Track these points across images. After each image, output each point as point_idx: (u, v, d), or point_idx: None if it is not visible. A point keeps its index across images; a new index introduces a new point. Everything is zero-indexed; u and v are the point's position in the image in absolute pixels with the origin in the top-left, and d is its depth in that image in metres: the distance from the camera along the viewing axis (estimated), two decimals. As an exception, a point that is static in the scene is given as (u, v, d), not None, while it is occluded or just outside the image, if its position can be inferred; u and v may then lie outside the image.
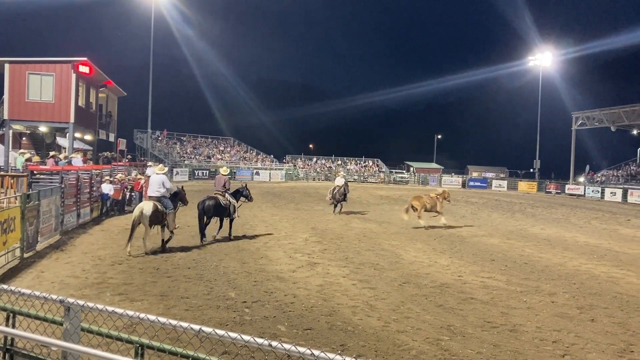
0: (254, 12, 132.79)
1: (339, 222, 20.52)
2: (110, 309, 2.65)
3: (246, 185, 17.07)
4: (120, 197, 21.21)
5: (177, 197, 14.24)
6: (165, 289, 9.36)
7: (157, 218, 12.79)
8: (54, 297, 2.85)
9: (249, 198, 16.80)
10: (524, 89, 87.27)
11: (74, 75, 28.77)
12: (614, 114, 50.74)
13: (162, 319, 2.45)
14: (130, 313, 2.48)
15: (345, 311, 8.43)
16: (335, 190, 23.16)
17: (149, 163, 27.95)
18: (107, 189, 20.10)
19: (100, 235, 15.52)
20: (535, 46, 66.90)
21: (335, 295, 9.41)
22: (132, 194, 23.15)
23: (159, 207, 12.79)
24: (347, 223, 20.27)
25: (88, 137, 36.34)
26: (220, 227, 15.38)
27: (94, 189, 19.26)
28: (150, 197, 13.11)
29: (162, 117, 68.47)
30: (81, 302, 2.79)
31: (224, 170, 16.46)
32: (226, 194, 15.41)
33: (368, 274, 11.35)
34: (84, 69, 29.07)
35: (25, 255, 11.55)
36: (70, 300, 2.82)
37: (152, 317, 2.47)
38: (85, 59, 29.42)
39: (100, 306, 2.71)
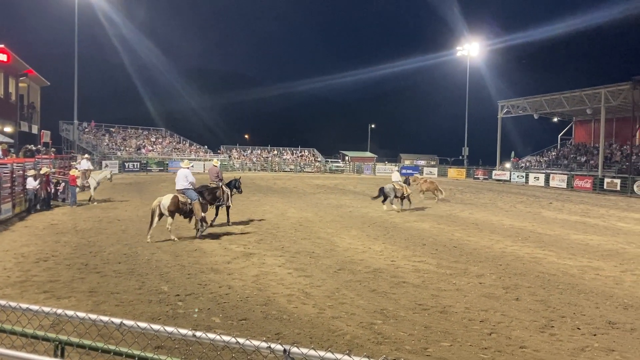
0: (187, 2, 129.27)
1: (275, 212, 20.50)
2: (24, 306, 2.52)
3: (240, 177, 17.84)
4: (45, 192, 20.27)
5: (232, 186, 16.51)
6: (94, 285, 9.05)
7: (182, 209, 13.66)
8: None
9: (239, 190, 17.35)
10: (453, 79, 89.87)
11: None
12: (536, 102, 53.13)
13: (81, 314, 2.35)
14: (47, 309, 2.37)
15: (280, 300, 8.44)
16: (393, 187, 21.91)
17: (86, 155, 26.89)
18: (31, 183, 19.17)
19: (24, 231, 14.80)
20: (463, 37, 68.96)
21: (270, 284, 9.40)
22: (58, 188, 22.20)
23: (182, 199, 13.62)
24: (283, 213, 20.27)
25: (8, 129, 34.46)
26: (216, 215, 16.05)
27: (16, 183, 18.33)
28: (177, 189, 13.89)
29: (89, 107, 65.94)
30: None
31: (215, 162, 17.38)
32: (220, 184, 16.08)
33: (304, 262, 11.40)
34: (1, 56, 27.49)
35: (-60, 255, 10.86)
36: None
37: (70, 313, 2.37)
38: (1, 46, 27.79)
39: (12, 303, 2.57)
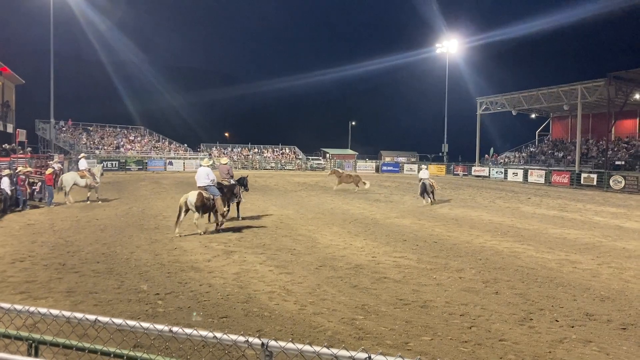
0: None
1: (256, 209, 20.40)
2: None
3: (247, 176, 18.69)
4: (25, 193, 19.94)
5: (241, 183, 17.32)
6: (72, 284, 8.92)
7: (206, 205, 14.45)
8: None
9: (246, 187, 18.05)
10: (432, 76, 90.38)
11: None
12: (514, 99, 53.78)
13: (55, 311, 2.30)
14: (19, 307, 2.30)
15: (261, 297, 8.41)
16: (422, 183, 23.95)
17: (82, 155, 26.52)
18: (5, 183, 18.83)
19: (-1, 232, 14.52)
20: (443, 34, 69.36)
21: (251, 282, 9.36)
22: (35, 187, 21.85)
23: (205, 195, 14.40)
24: (264, 210, 20.20)
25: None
26: (228, 210, 16.08)
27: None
28: (199, 187, 14.60)
29: (66, 106, 64.90)
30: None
31: (224, 160, 18.20)
32: (231, 181, 16.89)
33: (285, 259, 11.38)
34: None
35: None
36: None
37: (43, 310, 2.31)
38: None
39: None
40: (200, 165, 15.52)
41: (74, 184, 21.61)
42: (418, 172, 26.17)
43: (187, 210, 14.20)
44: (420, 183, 24.30)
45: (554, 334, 6.99)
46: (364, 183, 30.13)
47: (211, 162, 16.36)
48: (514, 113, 55.81)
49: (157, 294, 8.48)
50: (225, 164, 17.66)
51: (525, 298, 8.65)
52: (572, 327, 7.29)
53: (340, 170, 32.88)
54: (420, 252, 12.53)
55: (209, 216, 15.87)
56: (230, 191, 16.30)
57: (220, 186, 15.65)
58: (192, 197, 14.17)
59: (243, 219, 17.39)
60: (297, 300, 8.29)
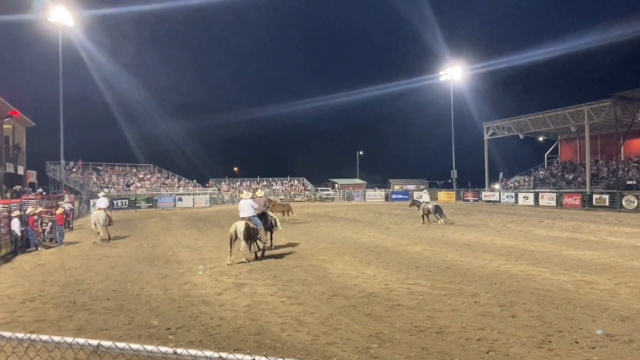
0: (168, 38, 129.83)
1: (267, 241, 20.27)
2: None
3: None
4: (36, 232, 20.00)
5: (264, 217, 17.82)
6: (83, 322, 8.83)
7: (251, 234, 15.26)
8: None
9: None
10: (437, 103, 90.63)
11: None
12: (521, 123, 53.77)
13: (56, 338, 2.24)
14: (20, 335, 2.24)
15: (273, 329, 8.27)
16: (424, 206, 27.87)
17: (102, 193, 26.66)
18: (16, 224, 18.90)
19: (9, 273, 14.50)
20: (446, 61, 69.83)
21: (263, 314, 9.23)
22: (45, 228, 21.89)
23: (251, 224, 15.32)
24: (274, 242, 20.06)
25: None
26: (270, 239, 17.80)
27: (2, 225, 18.08)
28: (242, 217, 15.52)
29: (76, 147, 65.58)
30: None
31: (260, 193, 19.34)
32: (268, 212, 18.16)
33: (296, 290, 11.24)
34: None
35: None
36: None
37: (44, 337, 2.25)
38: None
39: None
40: (242, 198, 16.43)
41: (100, 221, 21.62)
42: (417, 197, 29.57)
43: (236, 238, 15.07)
44: (427, 206, 27.12)
45: (575, 355, 6.79)
46: (292, 213, 31.70)
47: (250, 194, 17.12)
48: (521, 137, 55.74)
49: (168, 328, 8.37)
50: (262, 196, 18.79)
51: (543, 320, 8.45)
52: (593, 348, 7.09)
53: (272, 199, 33.90)
54: (433, 278, 12.35)
55: (250, 245, 16.16)
56: (267, 221, 17.51)
57: (261, 216, 16.70)
58: (240, 226, 15.04)
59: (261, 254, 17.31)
60: (309, 330, 8.15)
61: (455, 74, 63.95)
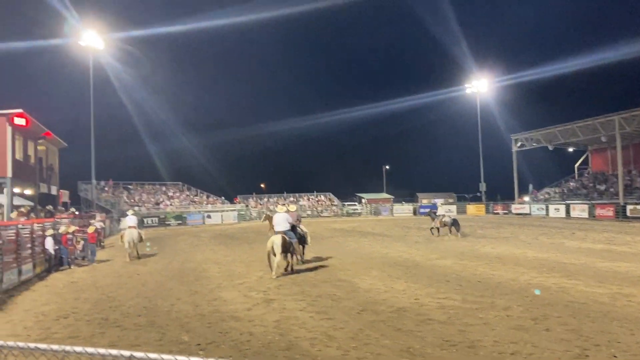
0: (191, 59, 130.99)
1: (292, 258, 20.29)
2: (25, 344, 2.44)
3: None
4: (70, 251, 20.39)
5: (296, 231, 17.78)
6: (115, 338, 8.93)
7: (286, 247, 15.54)
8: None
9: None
10: (463, 116, 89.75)
11: (9, 128, 27.83)
12: (550, 134, 53.01)
13: (90, 349, 2.27)
14: (55, 347, 2.28)
15: (303, 344, 8.24)
16: (442, 219, 27.87)
17: (131, 211, 27.13)
18: (49, 243, 19.30)
19: (44, 290, 14.79)
20: (472, 73, 69.34)
21: (292, 329, 9.20)
22: (77, 246, 22.28)
23: (287, 238, 15.57)
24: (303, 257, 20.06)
25: (28, 192, 35.00)
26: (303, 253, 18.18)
27: (36, 244, 18.46)
28: (277, 231, 15.71)
29: (106, 167, 66.72)
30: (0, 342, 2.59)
31: (292, 207, 19.81)
32: (301, 226, 18.31)
33: (325, 305, 11.19)
34: (19, 121, 28.20)
35: (-39, 318, 10.84)
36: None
37: (78, 349, 2.29)
38: (20, 110, 28.55)
39: (18, 343, 2.50)
40: (277, 212, 16.74)
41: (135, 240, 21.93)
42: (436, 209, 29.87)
43: (274, 252, 15.31)
44: (444, 219, 27.56)
45: (613, 370, 6.60)
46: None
47: (285, 208, 17.53)
48: (550, 148, 54.92)
49: (199, 344, 8.40)
50: (294, 210, 19.16)
51: (579, 334, 8.24)
52: (632, 362, 6.88)
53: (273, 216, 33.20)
54: (464, 292, 12.17)
55: (285, 259, 16.37)
56: (302, 235, 17.80)
57: (292, 230, 16.74)
58: (277, 240, 15.31)
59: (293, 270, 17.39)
60: (339, 345, 8.09)
61: (481, 86, 63.49)
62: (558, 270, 14.84)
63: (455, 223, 27.12)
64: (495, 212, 55.51)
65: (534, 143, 56.25)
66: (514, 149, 57.62)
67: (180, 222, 51.21)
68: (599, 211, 42.13)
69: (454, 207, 59.84)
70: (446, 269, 15.85)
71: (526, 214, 50.56)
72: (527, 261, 17.06)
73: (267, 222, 31.05)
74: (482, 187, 64.19)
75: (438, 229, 27.65)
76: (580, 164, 61.00)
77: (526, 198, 59.21)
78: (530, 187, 62.45)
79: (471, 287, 12.77)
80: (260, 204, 63.67)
